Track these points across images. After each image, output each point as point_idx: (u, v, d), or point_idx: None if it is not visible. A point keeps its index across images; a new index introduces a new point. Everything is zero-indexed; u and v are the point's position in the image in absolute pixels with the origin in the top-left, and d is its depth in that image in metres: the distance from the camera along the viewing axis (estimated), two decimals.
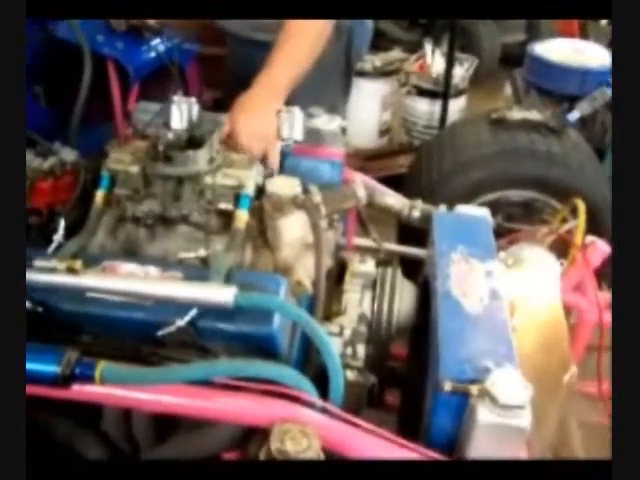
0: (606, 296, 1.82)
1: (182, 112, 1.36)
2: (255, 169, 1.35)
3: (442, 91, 3.60)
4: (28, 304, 1.11)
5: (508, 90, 3.67)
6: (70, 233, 1.27)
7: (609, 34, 3.63)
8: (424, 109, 3.76)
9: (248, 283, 1.11)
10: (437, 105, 3.66)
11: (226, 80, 2.31)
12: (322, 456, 1.02)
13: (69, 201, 1.41)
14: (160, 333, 1.10)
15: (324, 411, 1.09)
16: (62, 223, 1.25)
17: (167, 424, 1.22)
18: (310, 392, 1.10)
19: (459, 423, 1.09)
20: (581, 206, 1.90)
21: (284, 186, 1.35)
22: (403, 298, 1.47)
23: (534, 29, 4.97)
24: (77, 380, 1.07)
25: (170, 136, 1.31)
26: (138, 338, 1.15)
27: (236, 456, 1.17)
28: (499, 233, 1.55)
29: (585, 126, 3.16)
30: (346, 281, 1.47)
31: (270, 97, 1.53)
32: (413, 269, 1.61)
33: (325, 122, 1.61)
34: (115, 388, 1.08)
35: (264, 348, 1.12)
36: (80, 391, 1.08)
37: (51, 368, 1.05)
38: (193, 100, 1.38)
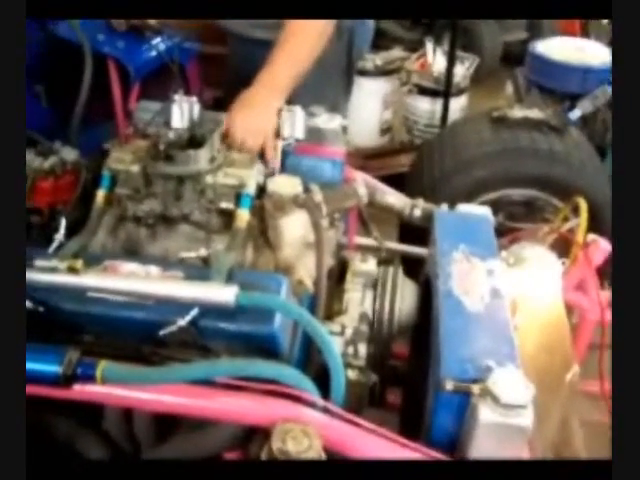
0: (608, 295, 1.81)
1: (183, 111, 1.37)
2: (256, 168, 1.35)
3: (443, 90, 3.59)
4: (29, 304, 1.11)
5: (509, 89, 3.65)
6: (71, 232, 1.27)
7: (610, 32, 3.62)
8: (425, 108, 3.75)
9: (249, 282, 1.11)
10: (438, 104, 3.65)
11: (227, 79, 2.31)
12: (323, 456, 1.02)
13: (70, 200, 1.41)
14: (161, 333, 1.10)
15: (325, 411, 1.09)
16: (63, 222, 1.25)
17: (168, 424, 1.22)
18: (311, 392, 1.09)
19: (461, 422, 1.09)
20: (583, 205, 1.89)
21: (285, 185, 1.35)
22: (404, 297, 1.47)
23: (535, 28, 4.96)
24: (78, 380, 1.06)
25: (171, 135, 1.31)
26: (139, 338, 1.15)
27: (237, 456, 1.17)
28: (500, 232, 1.55)
29: (586, 124, 3.15)
30: (347, 280, 1.47)
31: (271, 95, 1.53)
32: (414, 268, 1.61)
33: (326, 121, 1.61)
34: (116, 388, 1.08)
35: (265, 348, 1.12)
36: (81, 391, 1.08)
37: (52, 368, 1.05)
38: (194, 99, 1.38)
